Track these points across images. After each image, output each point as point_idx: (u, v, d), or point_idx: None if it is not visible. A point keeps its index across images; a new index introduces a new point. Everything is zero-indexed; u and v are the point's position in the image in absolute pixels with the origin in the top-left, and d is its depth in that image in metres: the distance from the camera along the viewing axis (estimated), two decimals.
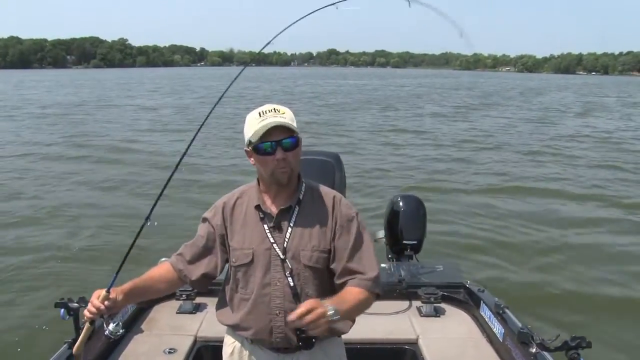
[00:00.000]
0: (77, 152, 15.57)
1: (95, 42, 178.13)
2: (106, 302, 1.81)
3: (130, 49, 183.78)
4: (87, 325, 1.91)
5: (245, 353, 2.05)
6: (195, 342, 3.13)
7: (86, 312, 1.83)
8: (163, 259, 3.56)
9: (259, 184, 2.02)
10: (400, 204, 4.03)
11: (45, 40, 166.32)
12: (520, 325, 2.86)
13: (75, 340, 2.60)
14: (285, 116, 1.88)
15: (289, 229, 1.95)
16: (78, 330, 2.62)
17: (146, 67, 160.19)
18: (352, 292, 1.91)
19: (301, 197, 1.99)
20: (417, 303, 3.53)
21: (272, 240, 1.94)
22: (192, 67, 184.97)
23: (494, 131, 21.71)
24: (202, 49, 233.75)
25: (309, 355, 1.98)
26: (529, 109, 33.23)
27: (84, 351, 2.15)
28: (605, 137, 20.93)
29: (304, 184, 2.02)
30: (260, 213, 1.98)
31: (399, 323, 3.34)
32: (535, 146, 17.82)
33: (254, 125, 1.87)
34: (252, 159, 1.94)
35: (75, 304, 2.52)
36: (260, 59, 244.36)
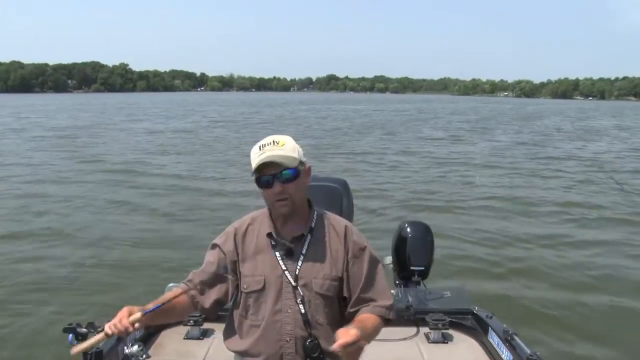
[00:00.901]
0: (95, 172, 15.91)
1: (96, 66, 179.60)
2: (136, 325, 1.76)
3: (131, 74, 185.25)
4: (102, 334, 1.80)
5: None
6: None
7: (110, 326, 1.75)
8: (171, 284, 3.57)
9: (269, 211, 2.04)
10: (408, 230, 4.05)
11: (46, 65, 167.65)
12: (529, 351, 2.84)
13: None
14: (284, 148, 1.90)
15: (301, 257, 1.96)
16: (86, 356, 2.60)
17: (147, 92, 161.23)
18: (369, 319, 1.93)
19: (313, 225, 2.01)
20: (424, 329, 3.51)
21: (284, 268, 1.95)
22: (193, 92, 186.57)
23: (495, 153, 22.02)
24: (202, 74, 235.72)
25: None
26: (527, 133, 33.55)
27: None
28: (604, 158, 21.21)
29: (315, 212, 2.04)
30: (272, 240, 1.99)
31: (407, 349, 3.31)
32: (536, 167, 18.10)
33: (254, 159, 1.91)
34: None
35: (84, 330, 2.50)
36: (260, 85, 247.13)
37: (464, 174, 16.39)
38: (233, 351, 2.08)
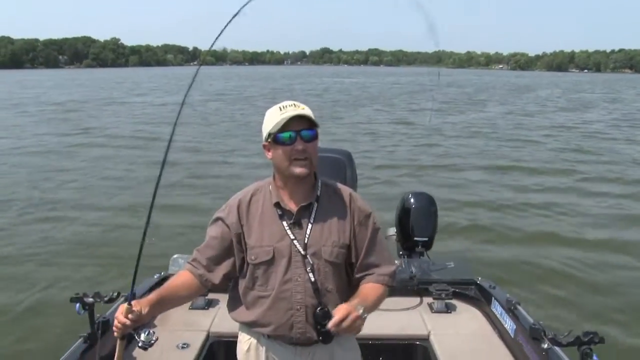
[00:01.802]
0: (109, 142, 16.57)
1: (88, 42, 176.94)
2: (130, 316, 1.76)
3: (122, 49, 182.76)
4: (119, 341, 1.85)
5: (262, 349, 2.04)
6: (208, 337, 3.13)
7: (114, 329, 1.80)
8: (176, 255, 3.57)
9: (274, 180, 2.00)
10: (412, 200, 4.02)
11: (37, 40, 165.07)
12: (532, 321, 2.85)
13: (90, 335, 2.60)
14: (305, 110, 1.89)
15: (309, 226, 1.95)
16: (93, 325, 2.60)
17: (139, 67, 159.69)
18: (373, 288, 1.98)
19: (319, 193, 1.99)
20: (428, 299, 3.54)
21: (292, 237, 1.93)
22: (186, 67, 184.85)
23: (492, 124, 22.26)
24: (195, 48, 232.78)
25: (325, 349, 1.98)
26: (522, 104, 33.65)
27: (99, 346, 2.09)
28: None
29: (319, 181, 2.02)
30: (279, 210, 1.96)
31: (411, 319, 3.34)
32: (534, 136, 18.36)
33: (274, 118, 1.88)
34: (270, 153, 1.93)
35: (91, 299, 2.51)
36: (254, 58, 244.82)
37: (461, 143, 16.58)
38: (240, 322, 2.07)
